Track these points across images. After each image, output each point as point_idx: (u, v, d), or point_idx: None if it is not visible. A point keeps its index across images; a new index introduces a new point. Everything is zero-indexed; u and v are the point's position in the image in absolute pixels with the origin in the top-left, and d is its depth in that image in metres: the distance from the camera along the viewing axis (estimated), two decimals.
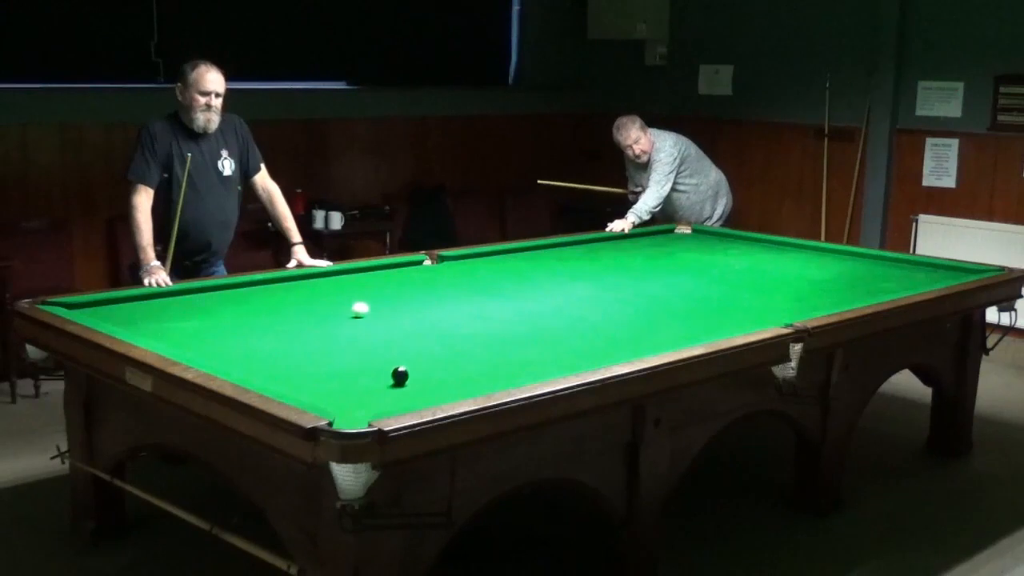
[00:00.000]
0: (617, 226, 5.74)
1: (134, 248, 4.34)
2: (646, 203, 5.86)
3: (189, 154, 4.41)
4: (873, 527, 4.08)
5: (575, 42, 8.05)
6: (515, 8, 7.99)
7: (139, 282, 4.22)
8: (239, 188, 4.69)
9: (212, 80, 4.41)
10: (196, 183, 4.45)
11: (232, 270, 4.69)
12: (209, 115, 4.43)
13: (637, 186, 6.13)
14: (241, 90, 6.50)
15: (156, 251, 4.32)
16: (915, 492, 4.45)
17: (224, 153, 4.56)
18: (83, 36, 5.92)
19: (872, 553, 3.87)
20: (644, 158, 6.00)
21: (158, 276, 4.19)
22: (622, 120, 6.01)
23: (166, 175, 4.41)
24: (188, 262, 4.53)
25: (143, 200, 4.35)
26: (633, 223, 5.77)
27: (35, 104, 5.77)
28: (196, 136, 4.47)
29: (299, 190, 6.43)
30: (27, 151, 5.73)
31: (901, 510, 4.25)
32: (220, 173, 4.55)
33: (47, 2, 5.79)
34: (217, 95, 4.43)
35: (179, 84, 4.43)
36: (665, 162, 5.95)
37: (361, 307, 3.75)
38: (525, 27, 8.02)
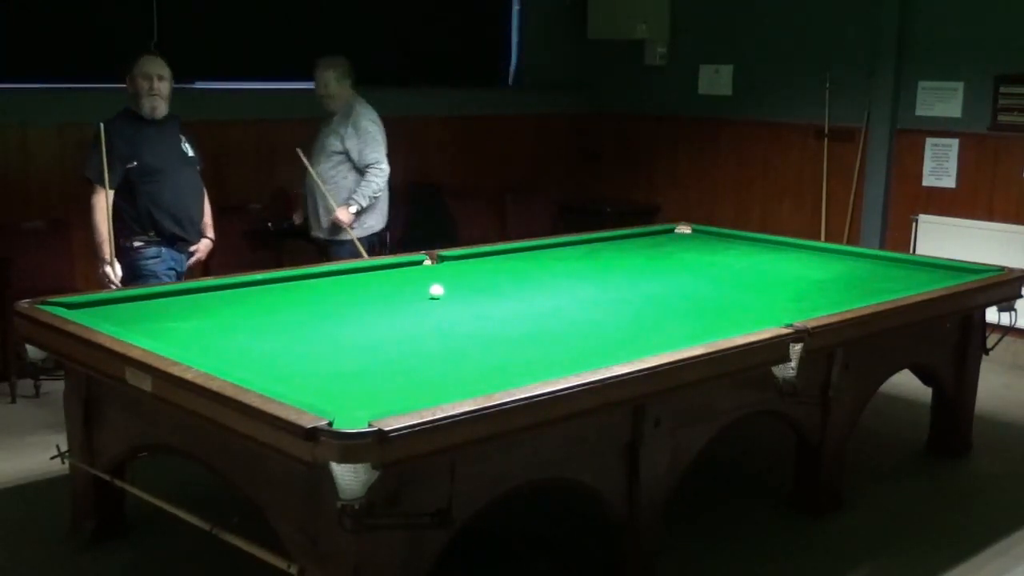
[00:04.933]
0: (343, 215, 5.39)
1: (94, 246, 4.66)
2: (371, 185, 5.49)
3: (160, 142, 4.75)
4: (873, 527, 4.08)
5: (575, 42, 8.04)
6: (515, 8, 7.99)
7: (139, 281, 4.30)
8: (199, 167, 4.99)
9: (151, 62, 4.74)
10: (168, 166, 4.75)
11: (232, 270, 4.71)
12: (155, 100, 4.72)
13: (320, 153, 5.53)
14: (241, 90, 6.54)
15: (151, 237, 4.71)
16: (915, 492, 4.45)
17: (182, 138, 4.91)
18: (83, 36, 5.91)
19: (872, 553, 3.87)
20: (328, 103, 5.54)
21: (116, 267, 4.58)
22: (329, 59, 5.57)
23: (135, 163, 4.63)
24: (180, 242, 4.84)
25: (103, 199, 4.62)
26: (355, 211, 5.47)
27: (35, 104, 5.76)
28: (153, 125, 4.74)
29: (299, 190, 6.42)
30: (27, 151, 5.73)
31: (901, 510, 4.25)
32: (185, 154, 4.87)
33: (47, 2, 5.79)
34: (160, 77, 4.72)
35: (127, 79, 4.74)
36: (377, 135, 5.52)
37: (437, 290, 3.97)
38: (525, 27, 8.02)
